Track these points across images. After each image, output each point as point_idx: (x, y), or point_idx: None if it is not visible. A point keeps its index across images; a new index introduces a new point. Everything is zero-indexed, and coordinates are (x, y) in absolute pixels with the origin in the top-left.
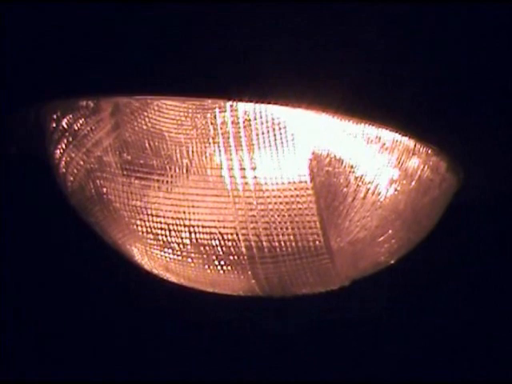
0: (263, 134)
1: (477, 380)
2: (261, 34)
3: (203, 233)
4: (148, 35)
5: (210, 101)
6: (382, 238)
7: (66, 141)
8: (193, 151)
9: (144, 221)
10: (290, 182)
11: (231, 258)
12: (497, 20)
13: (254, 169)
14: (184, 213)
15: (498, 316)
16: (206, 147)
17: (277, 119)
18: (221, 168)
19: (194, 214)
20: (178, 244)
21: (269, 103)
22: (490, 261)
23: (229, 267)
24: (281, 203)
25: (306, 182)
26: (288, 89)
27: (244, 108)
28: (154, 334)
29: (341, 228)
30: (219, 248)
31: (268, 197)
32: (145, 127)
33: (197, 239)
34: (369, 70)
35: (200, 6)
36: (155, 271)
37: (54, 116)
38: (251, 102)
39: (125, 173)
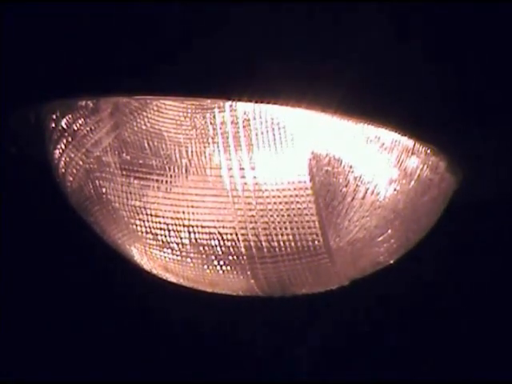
0: (262, 133)
1: (477, 380)
2: (260, 33)
3: (202, 233)
4: (147, 35)
5: (209, 101)
6: (381, 238)
7: (65, 141)
8: (192, 151)
9: (143, 221)
10: (289, 182)
11: (230, 258)
12: (497, 20)
13: (253, 169)
14: (183, 213)
15: (498, 315)
16: (205, 147)
17: (276, 119)
18: (220, 168)
19: (193, 214)
20: (178, 244)
21: (268, 103)
22: (490, 260)
23: (228, 267)
24: (280, 203)
25: (305, 181)
26: (287, 89)
27: (243, 108)
28: (154, 334)
29: (340, 228)
30: (218, 248)
31: (267, 197)
32: (144, 127)
33: (196, 239)
34: (368, 70)
35: (200, 6)
36: (154, 271)
37: (54, 116)
38: (251, 101)
39: (124, 173)
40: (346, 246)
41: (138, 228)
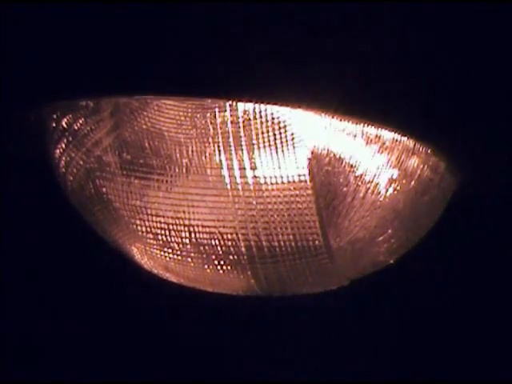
0: (263, 133)
1: (477, 380)
2: (261, 34)
3: (203, 232)
4: (148, 35)
5: (209, 100)
6: (381, 238)
7: (65, 141)
8: (192, 151)
9: (144, 220)
10: (289, 182)
11: (231, 257)
12: (496, 21)
13: (253, 168)
14: (184, 212)
15: (498, 315)
16: (205, 147)
17: (276, 119)
18: (220, 168)
19: (193, 213)
20: (178, 244)
21: (269, 103)
22: (489, 260)
23: (228, 267)
24: (280, 203)
25: (305, 181)
26: (288, 89)
27: (244, 107)
28: (154, 334)
29: (340, 227)
30: (219, 248)
31: (267, 196)
32: (144, 127)
33: (196, 239)
34: (368, 70)
35: (200, 6)
36: (155, 271)
37: (54, 116)
38: (251, 101)
39: (124, 172)
40: (346, 246)
41: (139, 228)
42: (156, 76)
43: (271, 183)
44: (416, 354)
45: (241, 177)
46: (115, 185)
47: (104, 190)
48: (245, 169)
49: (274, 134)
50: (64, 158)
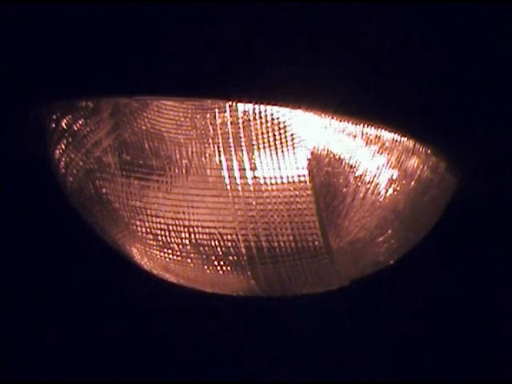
0: (263, 134)
1: (479, 379)
2: (261, 34)
3: (203, 233)
4: (147, 36)
5: (209, 101)
6: (381, 238)
7: (65, 141)
8: (192, 151)
9: (143, 221)
10: (289, 182)
11: (230, 258)
12: (496, 21)
13: (253, 169)
14: (183, 213)
15: (498, 315)
16: (205, 147)
17: (276, 119)
18: (220, 168)
19: (193, 214)
20: (178, 244)
21: (268, 104)
22: (489, 260)
23: (228, 267)
24: (280, 203)
25: (305, 182)
26: (288, 89)
27: (243, 108)
28: (154, 334)
29: (340, 228)
30: (219, 248)
31: (267, 197)
32: (144, 128)
33: (196, 239)
34: (368, 71)
35: (200, 6)
36: (155, 271)
37: (54, 117)
38: (251, 102)
39: (124, 173)
40: (346, 246)
41: (139, 228)
42: (156, 76)
43: (271, 184)
44: (416, 354)
45: (241, 177)
46: (115, 185)
47: (104, 190)
48: (245, 169)
49: (274, 135)
50: (64, 159)
